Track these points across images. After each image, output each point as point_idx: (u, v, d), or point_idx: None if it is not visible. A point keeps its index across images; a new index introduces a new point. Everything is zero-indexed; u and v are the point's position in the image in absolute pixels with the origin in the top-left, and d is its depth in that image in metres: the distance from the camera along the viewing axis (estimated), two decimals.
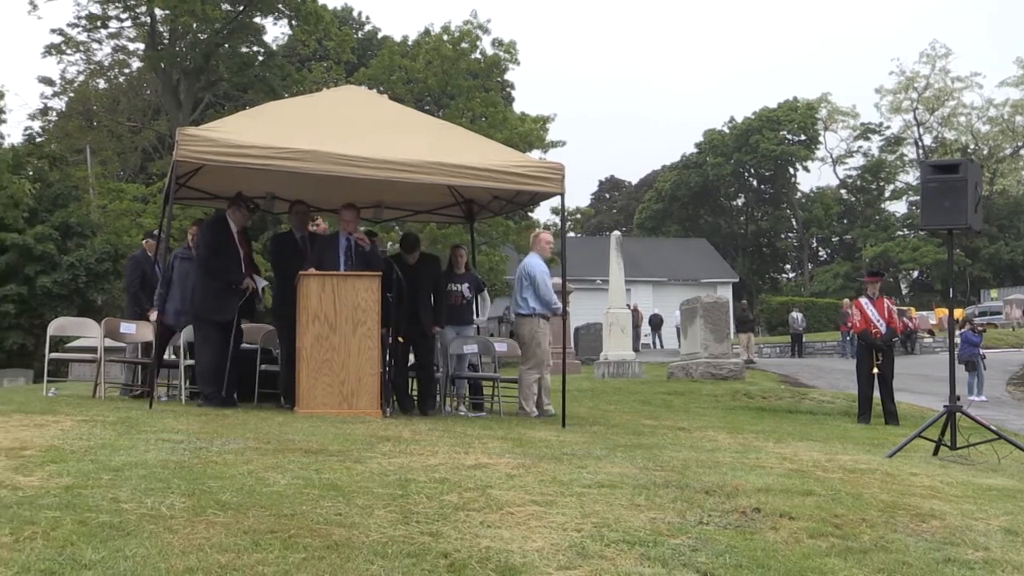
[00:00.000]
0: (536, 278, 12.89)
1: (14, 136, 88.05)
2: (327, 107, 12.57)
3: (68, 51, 47.68)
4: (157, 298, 12.68)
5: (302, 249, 11.90)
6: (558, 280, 13.27)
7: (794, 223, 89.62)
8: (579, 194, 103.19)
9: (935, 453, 9.62)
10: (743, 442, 9.97)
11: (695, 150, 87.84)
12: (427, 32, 44.65)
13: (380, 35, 63.24)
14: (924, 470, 8.07)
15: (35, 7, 43.29)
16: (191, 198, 14.07)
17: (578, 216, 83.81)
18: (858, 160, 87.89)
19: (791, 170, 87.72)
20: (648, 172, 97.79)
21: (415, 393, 12.63)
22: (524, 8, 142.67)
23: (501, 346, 13.70)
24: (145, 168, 53.64)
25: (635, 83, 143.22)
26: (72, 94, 53.89)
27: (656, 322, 53.84)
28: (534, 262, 13.09)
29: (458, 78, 41.52)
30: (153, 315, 12.47)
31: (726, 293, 59.53)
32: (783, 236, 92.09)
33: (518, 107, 50.58)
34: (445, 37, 41.84)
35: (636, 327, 42.09)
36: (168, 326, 12.38)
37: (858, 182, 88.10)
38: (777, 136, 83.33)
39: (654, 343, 53.18)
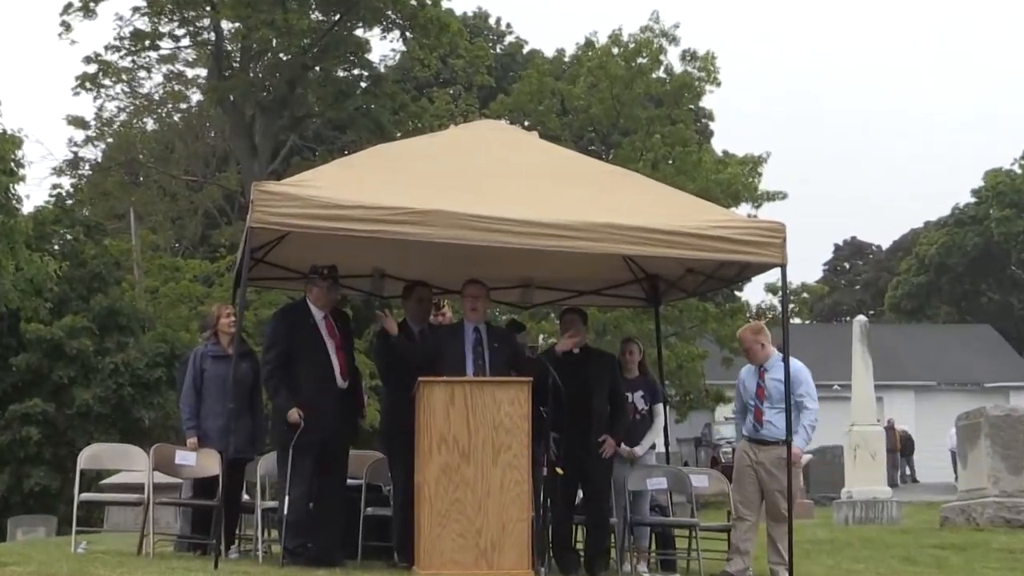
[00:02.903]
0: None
1: (36, 197, 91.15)
2: (455, 150, 12.72)
3: (106, 82, 48.31)
4: (188, 417, 12.71)
5: None
6: (780, 381, 13.03)
7: None
8: (807, 264, 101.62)
9: None
10: None
11: (972, 199, 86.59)
12: (589, 44, 44.81)
13: (526, 50, 63.54)
14: None
15: (68, 28, 43.82)
16: (271, 277, 14.23)
17: (805, 296, 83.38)
18: None
19: None
20: (905, 232, 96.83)
21: (581, 545, 12.59)
22: (722, 8, 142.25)
23: (700, 480, 13.54)
24: (208, 238, 54.72)
25: (882, 108, 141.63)
26: (111, 139, 55.00)
27: (906, 446, 52.43)
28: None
29: (634, 106, 41.52)
30: (191, 442, 12.55)
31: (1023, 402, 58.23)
32: None
33: (718, 144, 50.50)
34: (615, 50, 41.75)
35: (892, 451, 41.31)
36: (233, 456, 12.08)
37: None
38: None
39: (903, 474, 52.05)
